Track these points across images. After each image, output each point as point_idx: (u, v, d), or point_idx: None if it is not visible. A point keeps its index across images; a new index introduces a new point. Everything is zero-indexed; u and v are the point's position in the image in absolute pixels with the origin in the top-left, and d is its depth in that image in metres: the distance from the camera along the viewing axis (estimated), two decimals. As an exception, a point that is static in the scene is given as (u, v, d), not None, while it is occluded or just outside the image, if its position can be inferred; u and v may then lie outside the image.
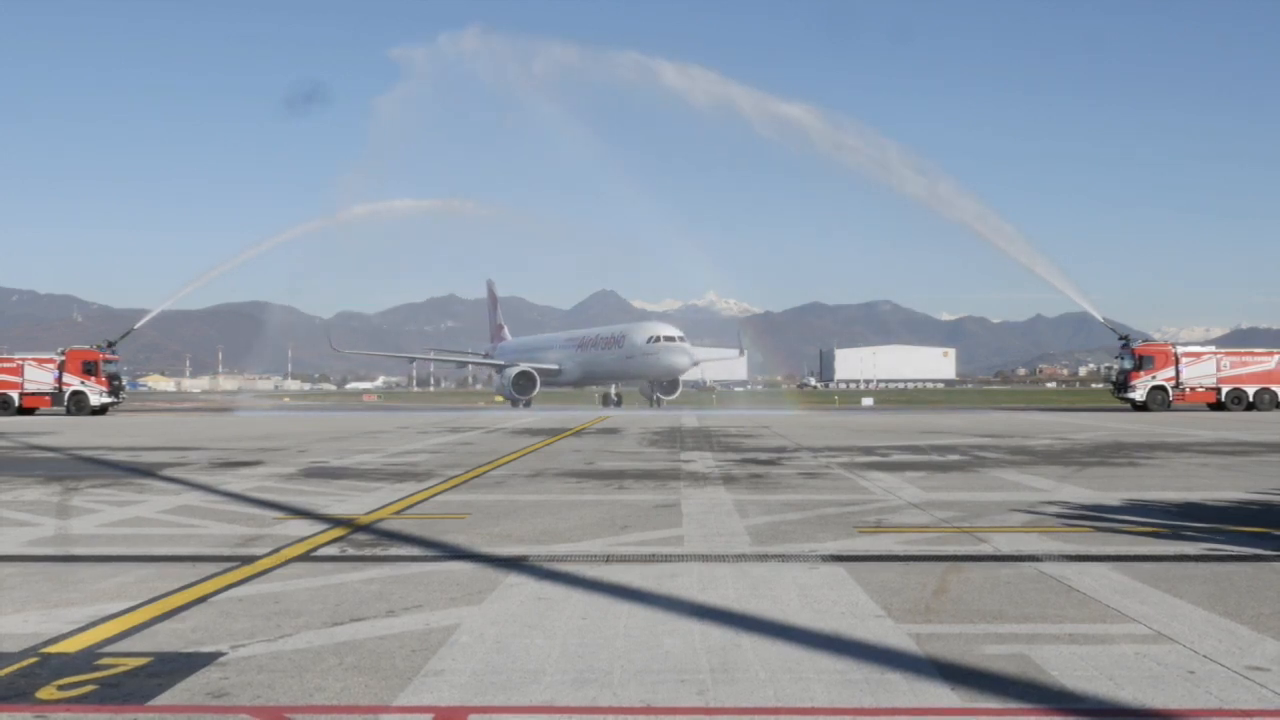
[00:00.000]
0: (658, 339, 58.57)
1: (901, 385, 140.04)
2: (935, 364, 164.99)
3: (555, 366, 65.57)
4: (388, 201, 66.99)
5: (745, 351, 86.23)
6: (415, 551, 7.67)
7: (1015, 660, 4.61)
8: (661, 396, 62.42)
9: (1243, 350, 46.44)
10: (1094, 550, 7.54)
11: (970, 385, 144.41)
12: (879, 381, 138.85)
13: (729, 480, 13.14)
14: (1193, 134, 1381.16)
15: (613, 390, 64.46)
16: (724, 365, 73.85)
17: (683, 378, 64.56)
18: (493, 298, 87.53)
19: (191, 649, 4.83)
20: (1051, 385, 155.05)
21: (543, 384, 64.94)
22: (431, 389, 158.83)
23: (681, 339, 59.06)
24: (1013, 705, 4.00)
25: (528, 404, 63.47)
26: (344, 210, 62.56)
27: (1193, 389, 43.25)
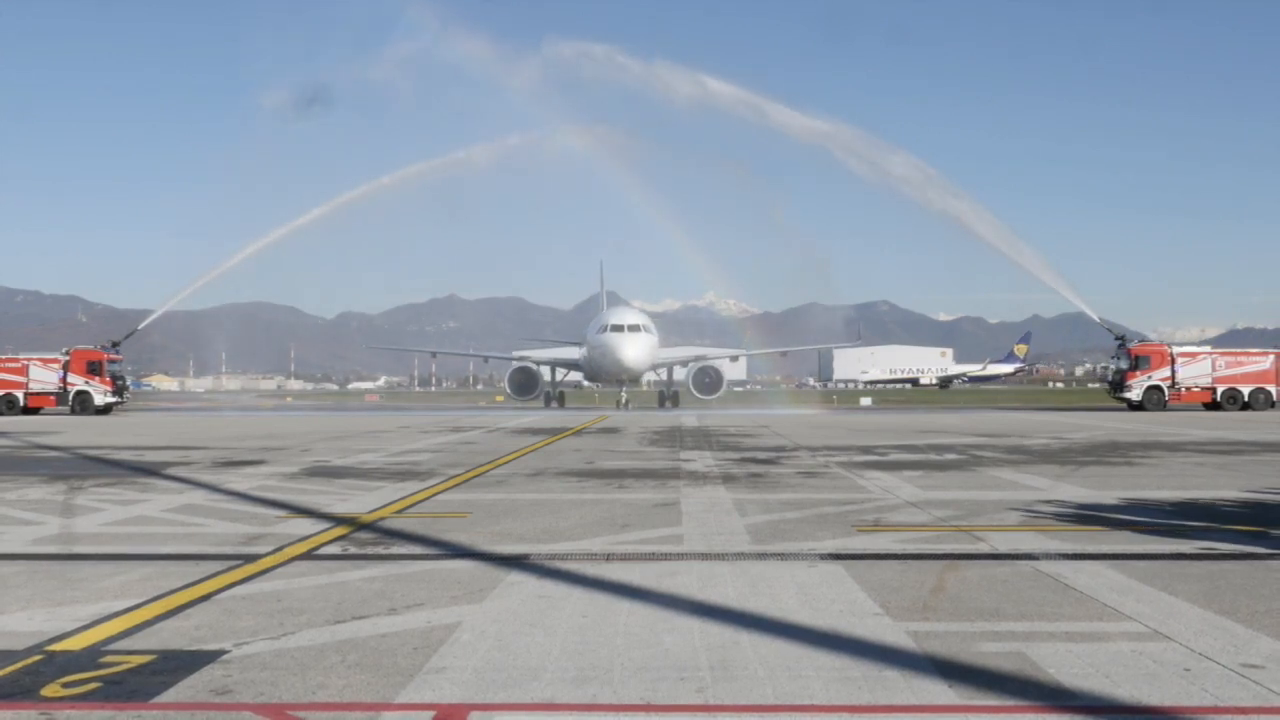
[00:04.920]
0: (605, 328, 48.10)
1: (900, 385, 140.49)
2: (933, 364, 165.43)
3: (574, 358, 55.29)
4: (470, 149, 59.89)
5: (748, 351, 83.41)
6: (417, 550, 7.72)
7: (1012, 658, 4.65)
8: (701, 396, 51.41)
9: (1238, 350, 46.56)
10: (1090, 549, 7.58)
11: (968, 385, 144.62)
12: (877, 382, 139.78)
13: (728, 479, 13.18)
14: (1189, 135, 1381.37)
15: (622, 395, 51.08)
16: (724, 365, 69.40)
17: (646, 376, 54.72)
18: (601, 282, 72.74)
19: (195, 647, 4.87)
20: (1060, 386, 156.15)
21: (568, 380, 57.60)
22: (433, 389, 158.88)
23: (634, 328, 47.83)
24: (1010, 703, 4.04)
25: (555, 404, 54.44)
26: (461, 152, 53.49)
27: (1188, 389, 43.29)
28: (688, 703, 4.04)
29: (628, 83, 50.25)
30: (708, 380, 52.30)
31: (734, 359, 71.30)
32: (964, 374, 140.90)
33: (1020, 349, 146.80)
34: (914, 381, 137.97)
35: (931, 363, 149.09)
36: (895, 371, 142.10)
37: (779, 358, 75.74)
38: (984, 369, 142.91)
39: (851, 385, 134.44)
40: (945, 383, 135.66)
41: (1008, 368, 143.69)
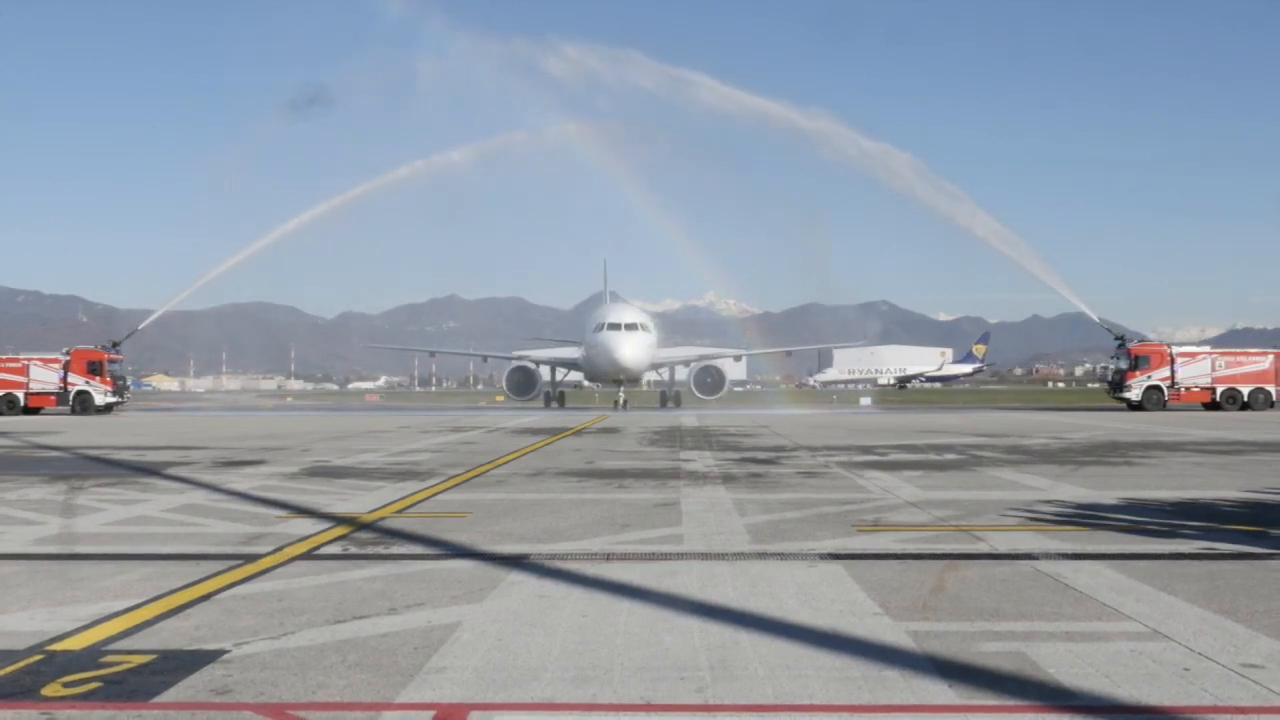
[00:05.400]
0: (603, 326, 46.41)
1: (857, 386, 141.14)
2: (932, 364, 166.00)
3: (575, 356, 53.06)
4: (490, 140, 57.66)
5: (751, 351, 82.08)
6: (417, 550, 7.72)
7: (1012, 658, 4.65)
8: (703, 397, 50.70)
9: (1237, 350, 46.67)
10: (1090, 548, 7.58)
11: (967, 385, 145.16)
12: (833, 383, 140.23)
13: (728, 479, 13.18)
14: (1187, 135, 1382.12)
15: (621, 394, 48.41)
16: (723, 365, 67.14)
17: (648, 376, 53.36)
18: (605, 281, 68.96)
19: (195, 646, 4.87)
20: (1061, 385, 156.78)
21: (568, 380, 56.59)
22: (434, 389, 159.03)
23: (632, 326, 46.12)
24: (1010, 702, 4.04)
25: (555, 404, 53.32)
26: (439, 155, 53.59)
27: (1188, 389, 43.35)
28: (688, 702, 4.05)
29: (625, 83, 50.23)
30: (710, 380, 51.24)
31: (737, 359, 70.41)
32: (921, 374, 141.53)
33: (979, 349, 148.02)
34: (872, 382, 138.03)
35: (897, 363, 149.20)
36: (853, 372, 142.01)
37: (781, 357, 75.06)
38: (940, 369, 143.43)
39: (808, 386, 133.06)
40: (903, 383, 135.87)
41: (966, 368, 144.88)
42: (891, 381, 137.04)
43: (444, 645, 4.88)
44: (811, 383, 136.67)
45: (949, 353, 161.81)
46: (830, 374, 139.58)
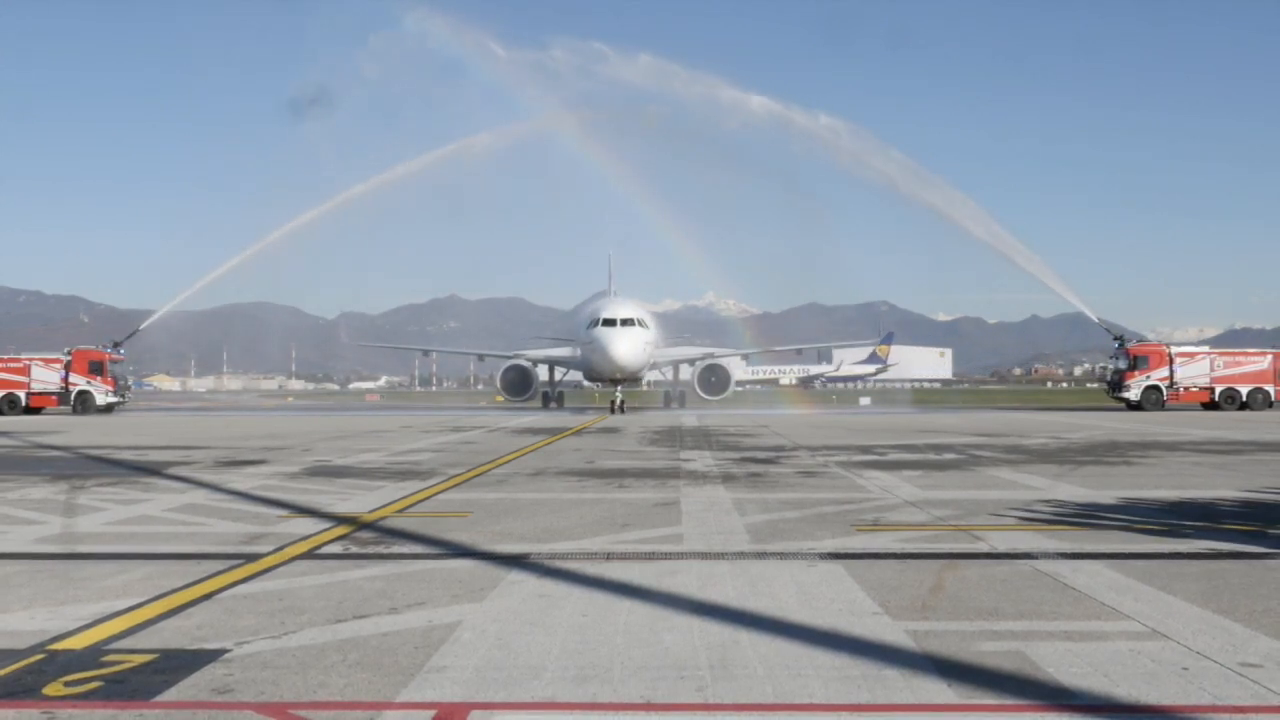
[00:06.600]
0: (597, 322, 43.29)
1: (898, 385, 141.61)
2: (932, 364, 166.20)
3: (572, 354, 50.34)
4: (468, 139, 54.87)
5: (757, 350, 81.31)
6: (418, 549, 7.74)
7: (1011, 657, 4.66)
8: (707, 397, 49.18)
9: (1236, 350, 46.74)
10: (1089, 548, 7.59)
11: (966, 385, 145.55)
12: (876, 381, 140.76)
13: (728, 479, 13.19)
14: (1186, 135, 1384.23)
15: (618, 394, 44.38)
16: (731, 364, 64.09)
17: (650, 375, 52.11)
18: (610, 277, 63.56)
19: (197, 646, 4.88)
20: (1064, 386, 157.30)
21: (568, 380, 55.35)
22: (434, 389, 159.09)
23: (628, 322, 43.01)
24: (1009, 702, 4.05)
25: (553, 404, 52.86)
26: (426, 155, 53.11)
27: (1187, 389, 43.38)
28: (688, 701, 4.06)
29: (626, 82, 50.17)
30: (714, 379, 49.50)
31: (744, 357, 69.87)
32: (823, 374, 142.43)
33: (882, 350, 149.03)
34: (775, 381, 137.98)
35: (934, 364, 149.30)
36: (758, 373, 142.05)
37: (783, 357, 74.98)
38: (838, 368, 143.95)
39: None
40: (806, 383, 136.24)
41: (869, 368, 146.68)
42: (794, 381, 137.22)
43: (444, 644, 4.89)
44: (814, 384, 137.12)
45: (948, 353, 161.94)
46: (738, 374, 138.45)
